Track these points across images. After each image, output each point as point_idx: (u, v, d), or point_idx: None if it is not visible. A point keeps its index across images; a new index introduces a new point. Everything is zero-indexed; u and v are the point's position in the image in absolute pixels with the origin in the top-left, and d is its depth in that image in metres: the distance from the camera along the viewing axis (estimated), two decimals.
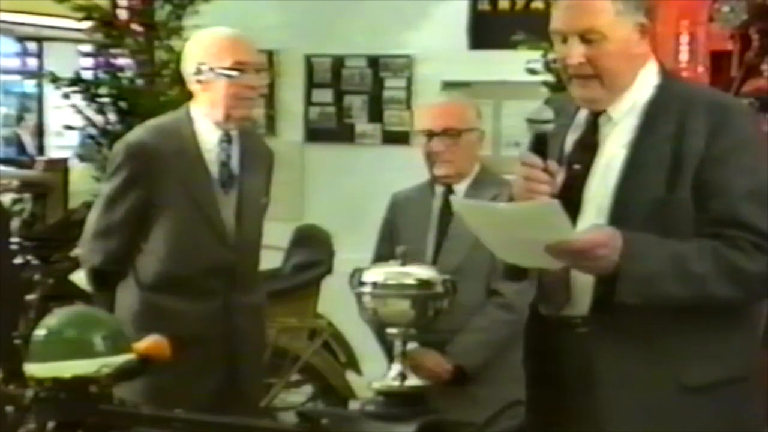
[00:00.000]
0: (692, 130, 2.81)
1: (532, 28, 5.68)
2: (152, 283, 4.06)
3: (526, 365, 3.05)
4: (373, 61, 7.66)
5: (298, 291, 5.82)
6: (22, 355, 2.70)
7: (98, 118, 6.94)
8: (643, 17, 2.87)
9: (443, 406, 4.09)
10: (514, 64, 6.05)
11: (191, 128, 4.09)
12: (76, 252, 5.65)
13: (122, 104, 6.85)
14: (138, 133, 4.18)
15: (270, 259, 4.80)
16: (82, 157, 8.01)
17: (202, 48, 4.10)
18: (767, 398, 3.04)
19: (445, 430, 2.86)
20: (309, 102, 7.84)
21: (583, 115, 2.96)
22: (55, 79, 6.99)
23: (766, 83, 5.03)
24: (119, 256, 4.09)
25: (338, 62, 7.74)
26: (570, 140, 2.95)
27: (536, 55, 5.86)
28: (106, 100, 6.89)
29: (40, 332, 2.68)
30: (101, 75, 7.22)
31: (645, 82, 2.91)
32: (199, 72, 4.06)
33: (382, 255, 4.03)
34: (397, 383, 2.82)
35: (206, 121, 4.08)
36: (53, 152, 14.23)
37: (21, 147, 15.17)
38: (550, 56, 5.62)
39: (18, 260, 5.94)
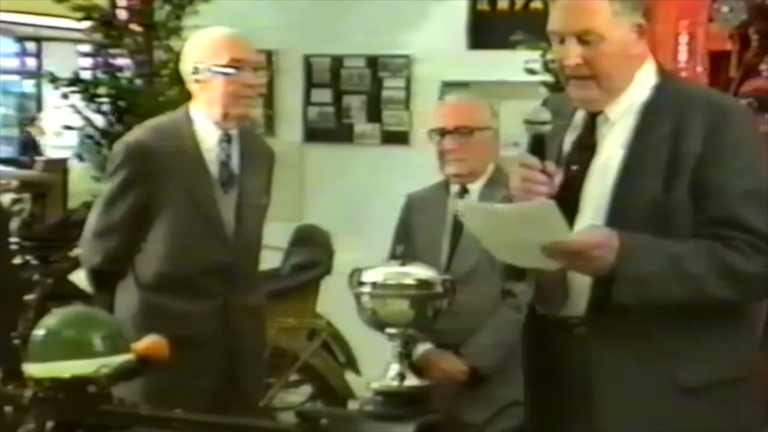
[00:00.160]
0: (689, 130, 2.81)
1: (530, 28, 5.68)
2: (152, 283, 4.06)
3: (524, 365, 3.06)
4: (372, 61, 7.67)
5: (297, 291, 5.82)
6: (21, 355, 2.70)
7: (97, 118, 6.95)
8: (640, 18, 2.87)
9: (457, 406, 4.12)
10: (513, 65, 6.05)
11: (191, 128, 4.09)
12: (76, 252, 5.66)
13: (121, 104, 6.85)
14: (137, 133, 4.18)
15: (269, 259, 4.80)
16: (81, 157, 8.02)
17: (199, 47, 4.11)
18: (766, 399, 3.04)
19: (445, 430, 2.86)
20: (308, 102, 7.84)
21: (581, 115, 2.96)
22: (53, 79, 6.99)
23: (765, 83, 5.03)
24: (119, 256, 4.09)
25: (337, 62, 7.74)
26: (568, 141, 2.96)
27: (535, 55, 5.87)
28: (105, 100, 6.89)
29: (38, 332, 2.67)
30: (100, 75, 7.23)
31: (643, 83, 2.91)
32: (196, 71, 4.06)
33: (397, 256, 4.04)
34: (396, 383, 2.81)
35: (206, 120, 4.08)
36: (52, 152, 14.27)
37: (34, 146, 15.15)
38: (549, 56, 5.62)
39: (17, 260, 5.94)
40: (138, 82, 6.95)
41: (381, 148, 7.65)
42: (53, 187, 9.13)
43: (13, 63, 17.08)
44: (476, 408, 4.17)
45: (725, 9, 5.08)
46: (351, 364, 6.03)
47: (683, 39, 5.41)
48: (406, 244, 4.33)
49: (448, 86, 7.13)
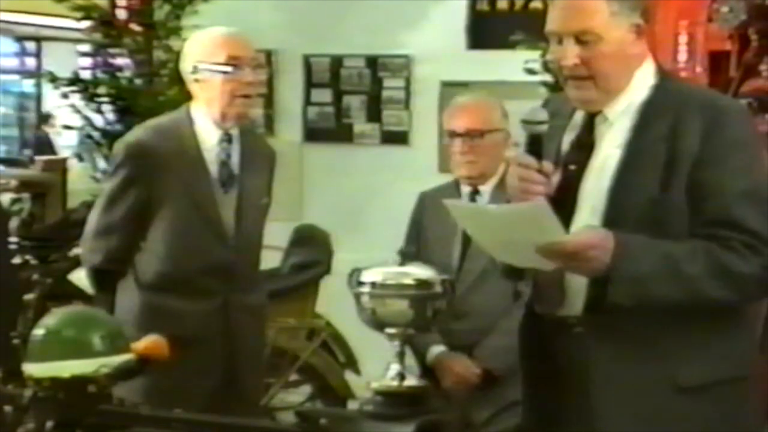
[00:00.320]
0: (686, 130, 2.81)
1: (530, 28, 5.68)
2: (152, 283, 4.07)
3: (522, 364, 3.06)
4: (372, 61, 7.66)
5: (296, 291, 5.82)
6: (21, 355, 2.70)
7: (97, 118, 6.95)
8: (638, 18, 2.87)
9: (470, 408, 4.12)
10: (513, 64, 6.05)
11: (191, 128, 4.09)
12: (75, 252, 5.66)
13: (121, 104, 6.85)
14: (138, 132, 4.18)
15: (269, 259, 4.80)
16: (80, 157, 8.03)
17: (198, 47, 4.11)
18: (765, 399, 3.04)
19: (445, 430, 2.86)
20: (307, 102, 7.84)
21: (580, 115, 2.96)
22: (53, 79, 7.00)
23: (765, 83, 5.02)
24: (119, 255, 4.10)
25: (337, 62, 7.74)
26: (567, 140, 2.96)
27: (535, 55, 5.86)
28: (104, 99, 6.90)
29: (38, 332, 2.68)
30: (100, 75, 7.22)
31: (642, 83, 2.91)
32: (195, 71, 4.07)
33: (410, 256, 4.06)
34: (395, 383, 2.81)
35: (206, 120, 4.09)
36: (65, 152, 14.22)
37: (50, 146, 15.13)
38: (549, 56, 5.61)
39: (16, 260, 5.94)
40: (138, 81, 6.95)
41: (381, 148, 7.65)
42: (53, 187, 9.12)
43: (13, 63, 17.08)
44: (482, 407, 4.18)
45: (725, 9, 5.08)
46: (351, 364, 6.03)
47: (683, 39, 5.41)
48: (417, 245, 4.34)
49: (448, 86, 7.14)
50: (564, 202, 2.81)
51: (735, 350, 2.87)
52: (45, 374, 2.62)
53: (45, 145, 15.14)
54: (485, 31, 7.35)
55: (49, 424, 2.64)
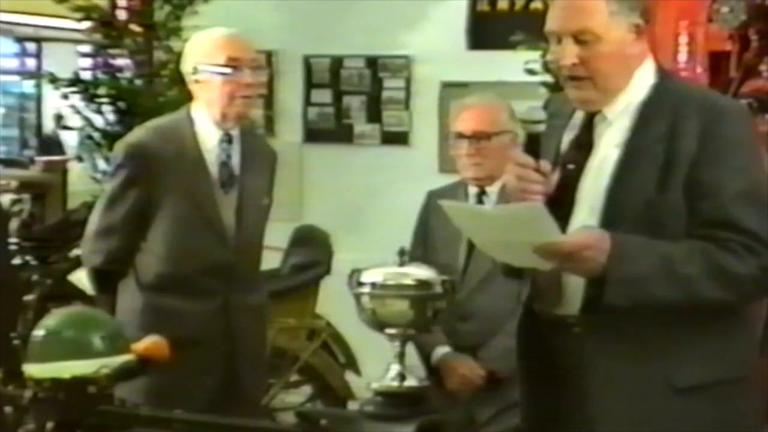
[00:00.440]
0: (685, 130, 2.80)
1: (531, 28, 5.67)
2: (152, 284, 4.07)
3: (520, 363, 3.06)
4: (372, 62, 7.66)
5: (296, 291, 5.82)
6: (21, 356, 2.70)
7: (97, 119, 6.95)
8: (638, 18, 2.87)
9: (473, 407, 4.12)
10: (513, 65, 6.05)
11: (192, 129, 4.09)
12: (75, 252, 5.66)
13: (121, 104, 6.85)
14: (138, 133, 4.19)
15: (269, 260, 4.80)
16: (80, 158, 8.03)
17: (198, 48, 4.12)
18: (764, 400, 3.04)
19: (445, 430, 2.86)
20: (308, 102, 7.83)
21: (580, 114, 2.96)
22: (53, 80, 7.00)
23: (765, 84, 5.03)
24: (120, 255, 4.10)
25: (337, 63, 7.74)
26: (566, 140, 2.96)
27: (535, 55, 5.86)
28: (104, 100, 6.90)
29: (38, 333, 2.68)
30: (100, 75, 7.22)
31: (641, 83, 2.90)
32: (195, 71, 4.07)
33: (416, 257, 4.05)
34: (396, 383, 2.81)
35: (207, 121, 4.09)
36: (73, 152, 14.19)
37: (59, 147, 15.11)
38: (548, 56, 5.61)
39: (17, 261, 5.95)
40: (138, 82, 6.95)
41: (381, 148, 7.65)
42: (53, 188, 9.13)
43: (13, 63, 17.06)
44: (484, 407, 4.18)
45: (725, 9, 5.08)
46: (351, 364, 6.03)
47: (683, 39, 5.41)
48: (424, 246, 4.33)
49: (448, 87, 7.14)
50: (562, 202, 2.81)
51: (733, 351, 2.86)
52: (45, 375, 2.62)
53: (54, 146, 15.12)
54: (485, 31, 7.34)
55: (50, 424, 2.64)
